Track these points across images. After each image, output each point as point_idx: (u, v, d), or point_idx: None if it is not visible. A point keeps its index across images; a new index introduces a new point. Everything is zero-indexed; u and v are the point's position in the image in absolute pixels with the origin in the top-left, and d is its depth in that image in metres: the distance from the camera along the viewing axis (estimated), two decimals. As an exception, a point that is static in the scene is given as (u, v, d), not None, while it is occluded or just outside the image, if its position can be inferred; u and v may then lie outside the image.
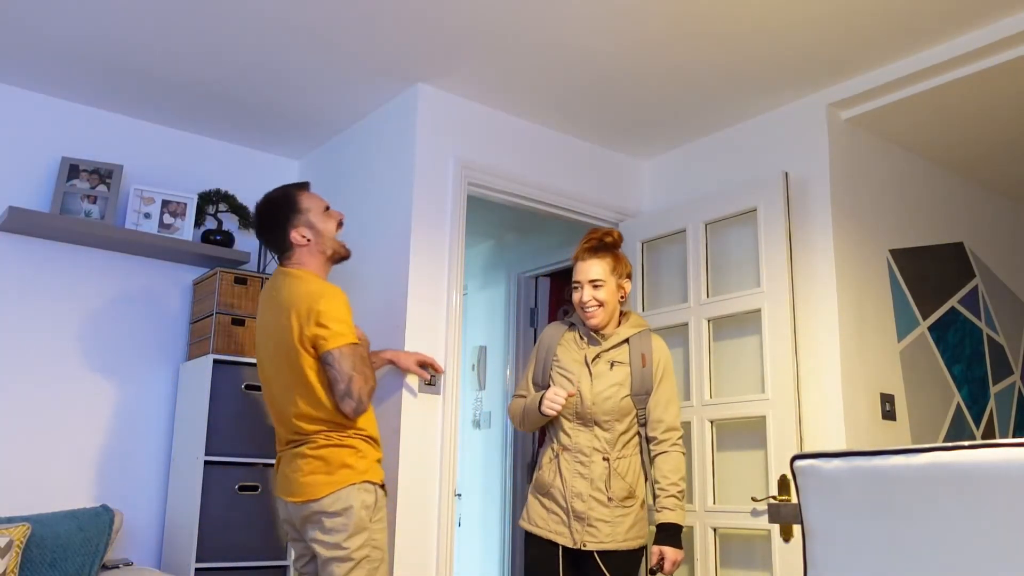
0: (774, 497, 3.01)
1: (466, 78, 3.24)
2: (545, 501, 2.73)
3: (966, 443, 1.28)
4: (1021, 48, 2.82)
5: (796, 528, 2.96)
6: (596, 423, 2.73)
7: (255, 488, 3.29)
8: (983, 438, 3.69)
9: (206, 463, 3.19)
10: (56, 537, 2.84)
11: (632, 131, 3.67)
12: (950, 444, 1.29)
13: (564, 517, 2.69)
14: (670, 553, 2.65)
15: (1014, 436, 3.90)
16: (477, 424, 5.03)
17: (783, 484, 3.00)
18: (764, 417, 3.11)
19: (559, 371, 2.82)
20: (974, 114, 3.28)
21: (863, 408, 3.09)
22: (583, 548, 2.66)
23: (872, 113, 3.25)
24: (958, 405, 3.58)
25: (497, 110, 3.50)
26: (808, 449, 3.03)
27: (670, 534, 2.67)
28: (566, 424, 2.76)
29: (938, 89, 3.06)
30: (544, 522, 2.71)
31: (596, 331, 2.84)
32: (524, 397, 2.89)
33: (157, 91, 3.40)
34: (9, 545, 2.65)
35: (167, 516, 3.42)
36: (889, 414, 3.19)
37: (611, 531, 2.67)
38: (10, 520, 2.80)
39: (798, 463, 1.49)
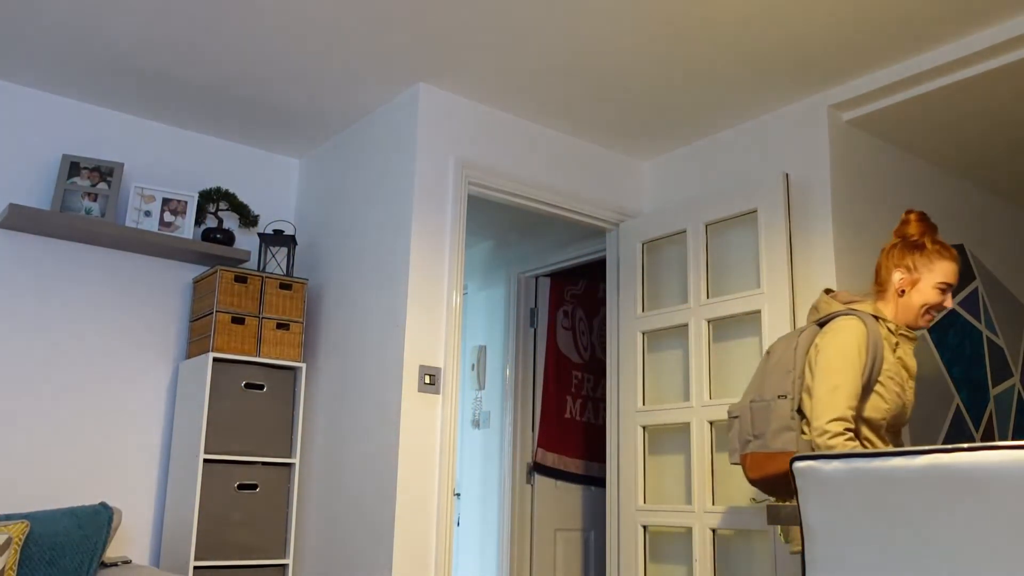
0: (773, 498, 3.01)
1: (466, 78, 3.24)
2: None
3: (965, 445, 1.28)
4: (1022, 51, 2.82)
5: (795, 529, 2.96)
6: (899, 432, 2.48)
7: (254, 487, 3.29)
8: (982, 440, 3.68)
9: (205, 461, 3.20)
10: (55, 535, 2.84)
11: (632, 131, 3.67)
12: (949, 446, 1.29)
13: None
14: None
15: (1013, 438, 3.90)
16: (476, 424, 5.03)
17: (782, 485, 3.00)
18: (763, 418, 3.11)
19: (890, 379, 2.30)
20: (975, 116, 3.28)
21: (862, 410, 3.08)
22: None
23: (873, 115, 3.25)
24: (957, 407, 3.58)
25: (497, 110, 3.50)
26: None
27: None
28: (883, 433, 2.39)
29: (939, 91, 3.06)
30: None
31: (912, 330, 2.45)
32: (850, 423, 2.21)
33: (158, 89, 3.40)
34: (8, 543, 2.64)
35: (166, 514, 3.42)
36: (888, 416, 3.19)
37: None
38: (8, 518, 2.80)
39: (797, 464, 1.49)
